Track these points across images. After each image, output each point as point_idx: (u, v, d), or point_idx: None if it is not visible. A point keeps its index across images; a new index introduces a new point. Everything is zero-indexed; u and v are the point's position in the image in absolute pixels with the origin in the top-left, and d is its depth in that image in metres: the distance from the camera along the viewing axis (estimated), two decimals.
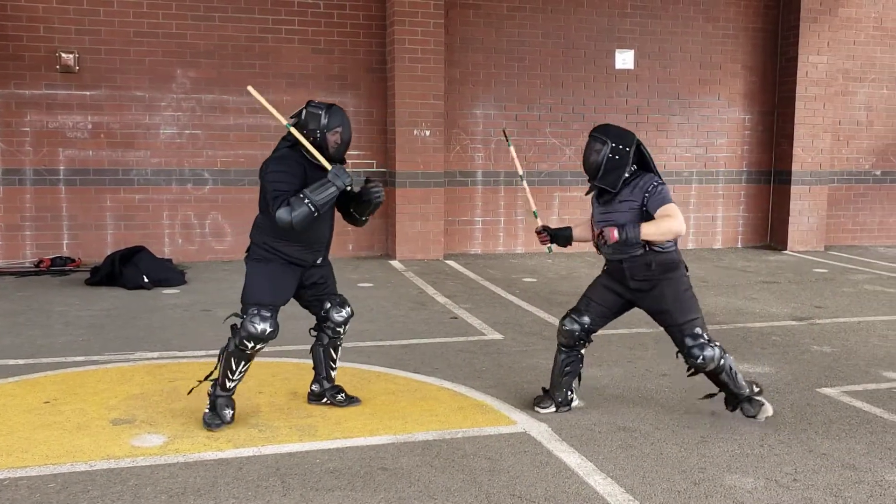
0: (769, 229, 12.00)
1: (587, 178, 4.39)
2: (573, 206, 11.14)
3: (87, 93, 9.41)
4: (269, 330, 4.10)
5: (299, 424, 4.27)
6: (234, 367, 4.13)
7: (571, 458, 3.89)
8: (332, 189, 3.97)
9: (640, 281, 4.27)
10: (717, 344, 4.28)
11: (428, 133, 10.09)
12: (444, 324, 6.74)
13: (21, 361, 5.40)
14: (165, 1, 9.52)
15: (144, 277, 8.10)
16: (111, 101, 9.51)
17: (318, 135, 4.10)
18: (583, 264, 10.06)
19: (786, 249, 11.56)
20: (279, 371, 5.26)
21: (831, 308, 7.56)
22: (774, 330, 6.63)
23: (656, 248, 4.21)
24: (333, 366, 4.55)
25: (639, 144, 4.29)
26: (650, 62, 11.24)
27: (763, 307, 7.56)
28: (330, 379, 4.55)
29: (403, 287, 8.36)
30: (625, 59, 11.15)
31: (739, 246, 11.91)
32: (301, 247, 4.22)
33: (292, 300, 4.40)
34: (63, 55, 9.22)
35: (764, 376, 5.28)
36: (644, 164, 4.33)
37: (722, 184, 11.77)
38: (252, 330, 4.06)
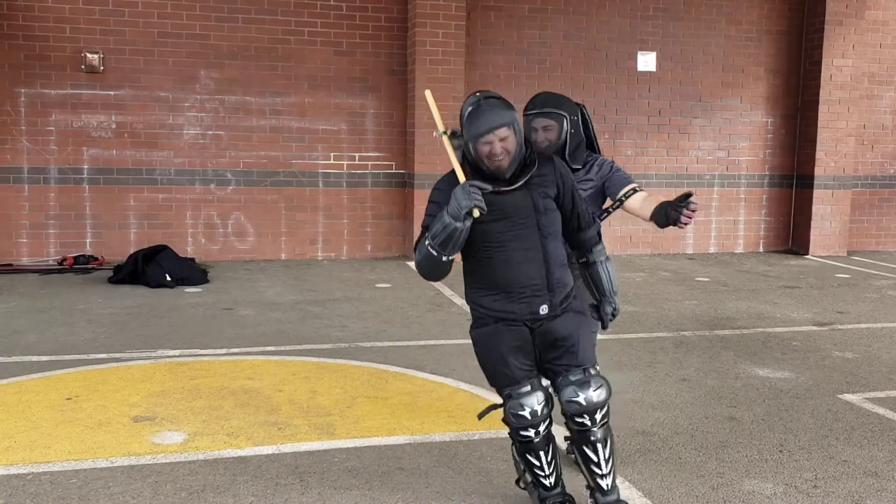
0: (791, 234, 11.89)
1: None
2: None
3: (112, 93, 9.52)
4: (536, 408, 3.05)
5: (318, 423, 4.29)
6: (533, 462, 3.16)
7: None
8: (447, 221, 2.93)
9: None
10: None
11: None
12: (461, 325, 6.75)
13: (44, 358, 5.48)
14: (189, 2, 9.61)
15: (167, 276, 8.18)
16: (135, 102, 9.61)
17: (467, 145, 3.04)
18: None
19: (808, 254, 11.45)
20: (299, 370, 5.29)
21: (853, 313, 7.49)
22: (795, 335, 6.57)
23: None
24: (597, 471, 3.13)
25: (582, 110, 3.71)
26: (672, 64, 11.19)
27: (784, 312, 7.50)
28: (599, 490, 3.17)
29: (420, 288, 8.37)
30: (647, 62, 11.10)
31: (761, 250, 11.82)
32: (497, 295, 3.10)
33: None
34: (88, 55, 9.33)
35: (784, 381, 5.24)
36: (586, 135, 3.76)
37: (744, 187, 11.69)
38: (516, 417, 3.07)
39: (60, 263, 9.21)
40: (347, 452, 3.90)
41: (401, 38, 10.28)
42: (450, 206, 2.94)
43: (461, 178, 3.03)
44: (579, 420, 3.08)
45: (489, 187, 2.97)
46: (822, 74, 11.20)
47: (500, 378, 3.10)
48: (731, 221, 11.70)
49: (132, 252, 8.81)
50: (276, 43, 9.91)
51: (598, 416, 3.08)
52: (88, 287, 8.13)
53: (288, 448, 3.95)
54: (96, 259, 9.33)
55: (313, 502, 3.38)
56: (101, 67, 9.41)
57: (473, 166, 3.05)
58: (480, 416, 3.24)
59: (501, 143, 2.95)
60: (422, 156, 10.03)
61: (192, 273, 8.44)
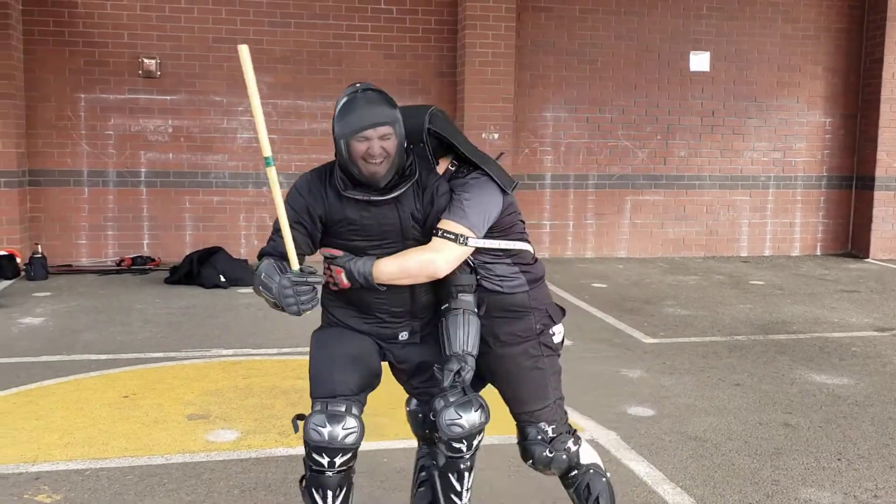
0: (850, 236, 11.58)
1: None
2: (646, 211, 10.98)
3: (168, 97, 9.73)
4: (338, 433, 2.60)
5: (367, 423, 4.29)
6: (317, 502, 2.68)
7: (640, 466, 3.83)
8: (271, 301, 2.60)
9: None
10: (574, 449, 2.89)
11: (496, 136, 10.08)
12: None
13: (102, 357, 5.62)
14: (243, 7, 9.77)
15: (221, 277, 8.33)
16: (190, 106, 9.81)
17: (338, 143, 2.56)
18: (655, 270, 9.90)
19: (868, 257, 11.14)
20: None
21: None
22: (854, 340, 6.40)
23: (494, 286, 2.80)
24: (455, 500, 2.82)
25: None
26: (726, 64, 10.99)
27: (842, 317, 7.30)
28: None
29: None
30: (700, 62, 10.93)
31: (818, 253, 11.54)
32: (353, 313, 2.76)
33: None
34: (145, 61, 9.55)
35: (843, 388, 5.10)
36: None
37: (800, 189, 11.42)
38: (313, 434, 2.60)
39: (119, 264, 9.44)
40: (396, 453, 3.92)
41: (450, 41, 10.30)
42: (273, 293, 2.51)
43: (293, 261, 2.51)
44: (457, 446, 2.70)
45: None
46: (883, 72, 10.88)
47: (318, 386, 2.66)
48: (786, 224, 11.45)
49: (187, 253, 8.99)
50: (328, 47, 10.01)
51: (474, 442, 2.75)
52: (145, 287, 8.32)
53: None
54: (153, 260, 9.54)
55: (363, 502, 3.40)
56: (158, 72, 9.62)
57: (343, 169, 2.57)
58: (294, 428, 2.74)
59: (381, 143, 2.47)
60: None
61: (245, 274, 8.57)
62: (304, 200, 2.63)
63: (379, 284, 2.60)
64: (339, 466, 2.63)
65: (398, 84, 10.20)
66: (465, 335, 2.64)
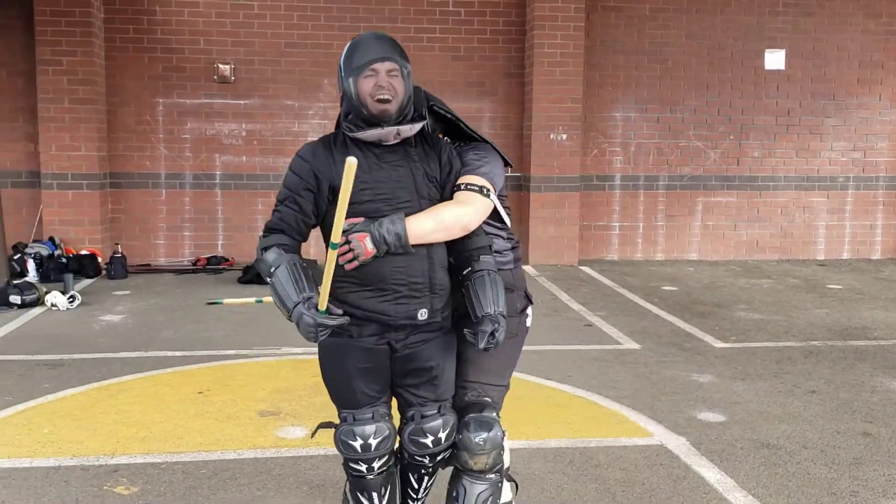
0: None
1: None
2: (718, 212, 10.74)
3: (242, 102, 9.96)
4: (371, 441, 2.60)
5: None
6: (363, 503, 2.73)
7: (711, 473, 3.75)
8: (284, 311, 2.53)
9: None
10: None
11: (565, 137, 10.02)
12: (577, 331, 6.67)
13: (178, 353, 5.78)
14: (314, 13, 9.94)
15: None
16: (263, 110, 10.02)
17: (346, 87, 2.50)
18: (727, 272, 9.68)
19: None
20: None
21: None
22: None
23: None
24: (411, 495, 2.86)
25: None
26: (803, 62, 10.67)
27: None
28: None
29: (536, 293, 8.33)
30: (775, 59, 10.63)
31: None
32: (368, 292, 2.52)
33: None
34: (220, 66, 9.81)
35: None
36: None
37: (882, 190, 11.00)
38: (345, 445, 2.64)
39: (194, 264, 9.72)
40: None
41: (518, 42, 10.27)
42: (290, 317, 2.47)
43: (323, 300, 2.41)
44: (419, 458, 2.67)
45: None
46: None
47: (340, 398, 2.65)
48: (867, 226, 11.04)
49: None
50: None
51: (438, 458, 2.68)
52: (219, 287, 8.53)
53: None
54: (227, 260, 9.78)
55: (430, 501, 3.42)
56: (232, 78, 9.87)
57: (356, 113, 2.48)
58: (313, 433, 2.88)
59: (389, 79, 2.44)
60: (538, 159, 9.98)
61: (313, 273, 8.70)
62: (310, 164, 2.51)
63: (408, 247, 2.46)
64: (379, 469, 2.65)
65: (465, 86, 10.23)
66: (494, 295, 2.55)
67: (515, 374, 5.23)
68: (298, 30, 9.93)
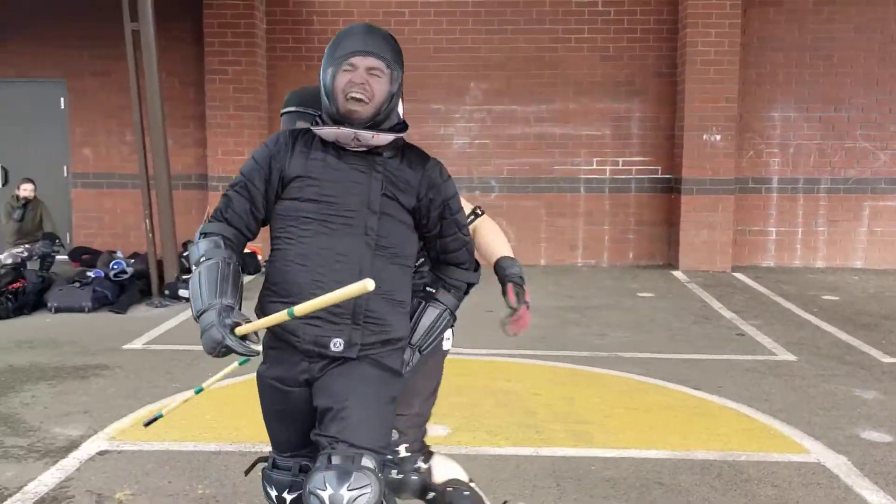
0: None
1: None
2: (887, 218, 9.99)
3: None
4: (284, 496, 2.32)
5: (575, 430, 4.29)
6: None
7: (875, 497, 3.49)
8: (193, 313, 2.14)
9: None
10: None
11: (718, 138, 9.63)
12: (729, 340, 6.39)
13: None
14: (462, 17, 10.07)
15: None
16: (411, 115, 10.15)
17: (324, 77, 2.19)
18: None
19: None
20: (556, 375, 5.33)
21: None
22: None
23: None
24: None
25: None
26: None
27: None
28: None
29: (686, 299, 8.05)
30: None
31: None
32: (285, 305, 2.10)
33: None
34: None
35: None
36: None
37: None
38: (264, 488, 2.39)
39: None
40: (605, 462, 3.86)
41: (670, 40, 9.98)
42: (200, 320, 2.07)
43: (246, 329, 2.01)
44: None
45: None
46: None
47: (269, 434, 2.38)
48: None
49: None
50: (543, 51, 10.06)
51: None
52: None
53: (545, 451, 3.99)
54: None
55: None
56: None
57: (325, 107, 2.20)
58: (247, 471, 2.62)
59: (368, 76, 2.13)
60: (690, 160, 9.65)
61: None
62: (269, 150, 2.23)
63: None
64: None
65: (614, 85, 10.05)
66: (429, 334, 2.34)
67: (663, 383, 5.11)
68: (447, 34, 10.09)
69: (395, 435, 2.45)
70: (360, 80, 2.12)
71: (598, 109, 10.12)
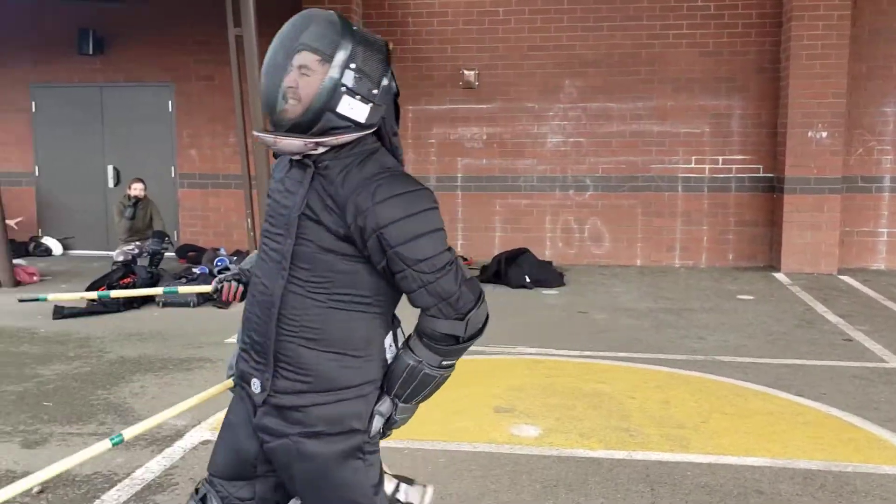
0: None
1: None
2: None
3: (484, 106, 10.26)
4: None
5: (671, 434, 4.20)
6: None
7: None
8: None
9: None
10: None
11: (825, 135, 9.23)
12: (835, 345, 6.12)
13: None
14: (557, 15, 10.00)
15: (526, 277, 8.60)
16: (504, 114, 10.25)
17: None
18: None
19: None
20: (651, 378, 5.22)
21: None
22: None
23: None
24: None
25: None
26: None
27: None
28: None
29: (788, 302, 7.75)
30: None
31: None
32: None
33: None
34: (465, 72, 10.17)
35: None
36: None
37: None
38: None
39: None
40: (701, 468, 3.76)
41: (773, 35, 9.63)
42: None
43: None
44: None
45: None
46: None
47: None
48: None
49: (496, 254, 9.41)
50: (640, 48, 9.88)
51: None
52: None
53: (639, 455, 3.92)
54: (466, 259, 10.13)
55: None
56: (476, 83, 10.19)
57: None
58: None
59: (298, 76, 1.80)
60: (794, 158, 9.29)
61: (549, 276, 8.77)
62: (275, 165, 2.06)
63: None
64: None
65: (714, 82, 9.78)
66: (403, 381, 1.95)
67: (762, 389, 4.95)
68: (542, 32, 10.04)
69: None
70: (291, 83, 1.81)
71: (697, 106, 9.86)
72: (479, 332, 1.92)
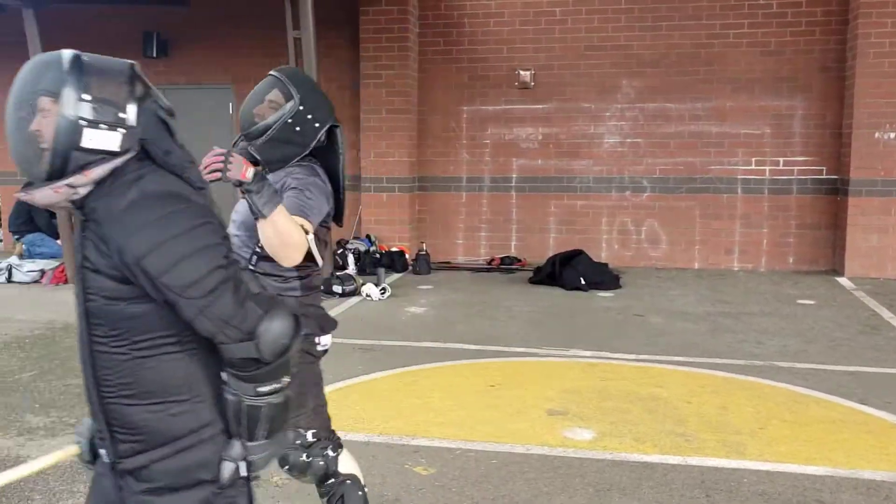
0: None
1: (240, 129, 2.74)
2: None
3: (540, 106, 10.22)
4: None
5: (727, 440, 4.12)
6: None
7: None
8: None
9: None
10: None
11: (893, 135, 8.95)
12: None
13: (472, 347, 6.09)
14: (615, 14, 9.90)
15: (581, 280, 8.54)
16: (560, 114, 10.19)
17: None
18: None
19: None
20: (708, 383, 5.14)
21: None
22: None
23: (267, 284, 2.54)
24: None
25: (333, 129, 2.73)
26: None
27: None
28: None
29: (851, 307, 7.54)
30: None
31: None
32: None
33: None
34: (521, 73, 10.14)
35: None
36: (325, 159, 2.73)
37: None
38: None
39: (489, 263, 10.16)
40: (758, 475, 3.69)
41: (838, 33, 9.38)
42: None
43: None
44: None
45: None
46: None
47: None
48: None
49: (550, 255, 9.35)
50: (699, 47, 9.72)
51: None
52: (511, 286, 8.83)
53: (694, 461, 3.86)
54: (519, 260, 10.10)
55: None
56: (532, 83, 10.15)
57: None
58: None
59: (41, 118, 1.66)
60: (859, 160, 9.03)
61: (605, 278, 8.69)
62: None
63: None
64: None
65: (775, 82, 9.57)
66: (247, 423, 1.79)
67: (824, 396, 4.82)
68: (599, 32, 9.95)
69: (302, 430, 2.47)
70: (36, 128, 1.66)
71: (758, 107, 9.66)
72: (285, 347, 1.71)
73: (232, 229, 2.68)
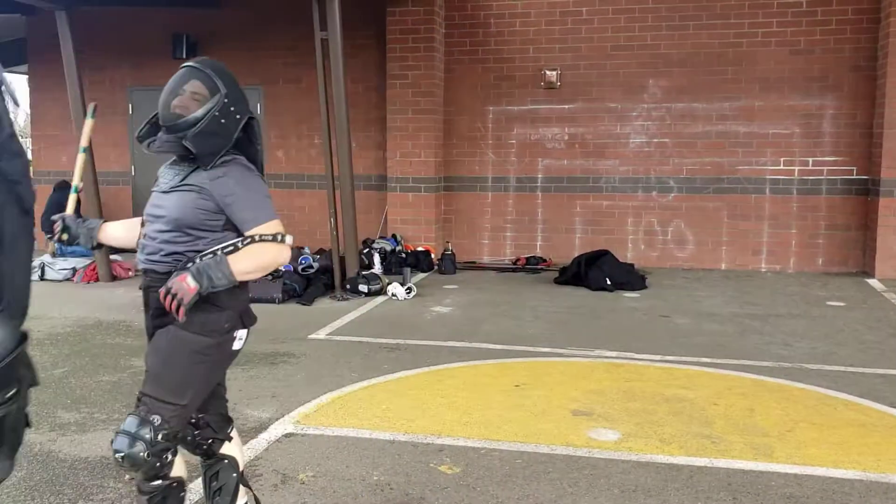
0: None
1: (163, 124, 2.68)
2: None
3: (566, 106, 10.20)
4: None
5: (755, 442, 4.10)
6: None
7: None
8: None
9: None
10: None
11: None
12: None
13: (497, 346, 6.10)
14: (642, 14, 9.85)
15: (607, 280, 8.51)
16: (586, 114, 10.16)
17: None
18: None
19: None
20: (735, 385, 5.10)
21: None
22: None
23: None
24: None
25: (249, 122, 2.71)
26: None
27: None
28: None
29: (882, 309, 7.44)
30: None
31: None
32: None
33: None
34: (547, 72, 10.13)
35: None
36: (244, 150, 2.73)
37: None
38: None
39: (514, 263, 10.16)
40: (786, 478, 3.66)
41: (869, 31, 9.26)
42: None
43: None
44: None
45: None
46: None
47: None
48: None
49: (576, 255, 9.33)
50: (727, 47, 9.65)
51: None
52: (537, 286, 8.82)
53: (721, 463, 3.84)
54: (545, 260, 10.08)
55: None
56: (558, 83, 10.13)
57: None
58: None
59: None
60: (891, 159, 8.92)
61: (631, 278, 8.65)
62: None
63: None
64: None
65: (805, 81, 9.47)
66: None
67: (854, 399, 4.77)
68: (625, 32, 9.91)
69: (157, 421, 2.49)
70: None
71: (787, 107, 9.57)
72: (8, 351, 1.56)
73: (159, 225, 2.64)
